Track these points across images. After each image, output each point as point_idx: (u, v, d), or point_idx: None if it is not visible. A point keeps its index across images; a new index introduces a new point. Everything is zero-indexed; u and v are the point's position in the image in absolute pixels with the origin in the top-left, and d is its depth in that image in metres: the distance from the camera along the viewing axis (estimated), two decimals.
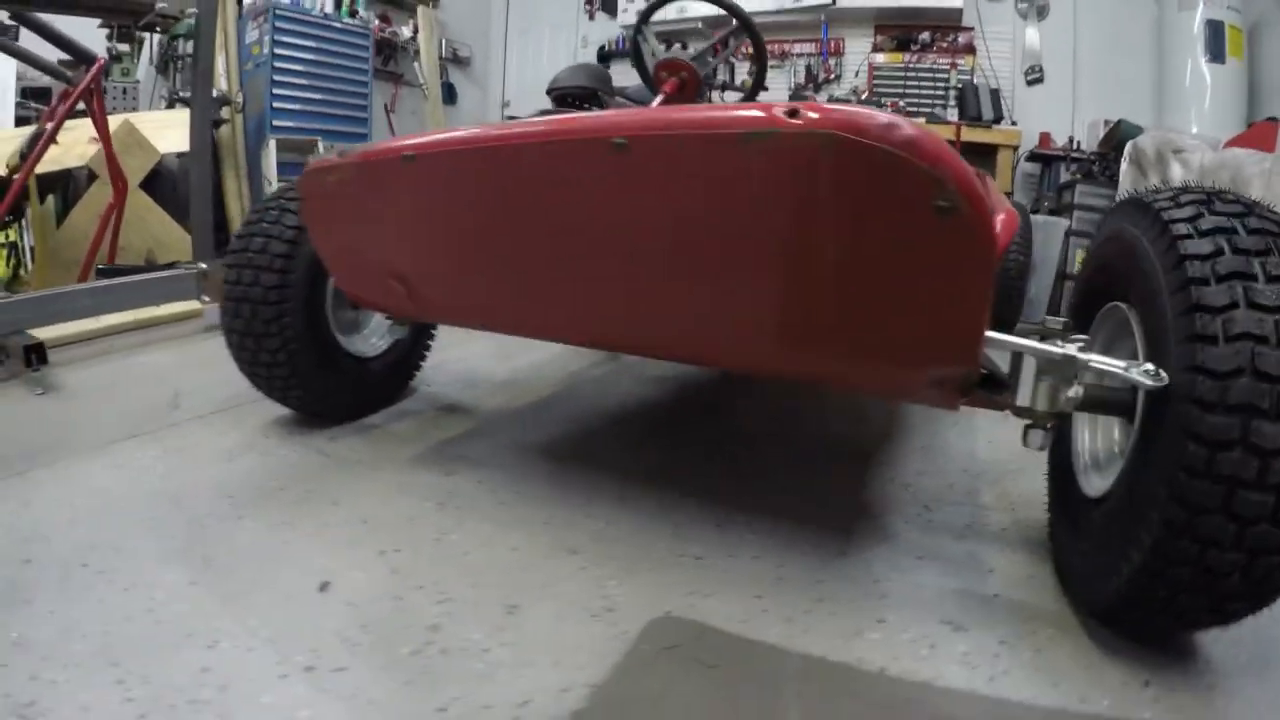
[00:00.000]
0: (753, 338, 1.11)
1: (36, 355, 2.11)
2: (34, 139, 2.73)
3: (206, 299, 2.76)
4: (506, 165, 1.08)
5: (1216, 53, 3.99)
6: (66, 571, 1.19)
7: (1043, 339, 1.16)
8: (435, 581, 1.20)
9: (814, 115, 0.83)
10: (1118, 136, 3.85)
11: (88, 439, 1.74)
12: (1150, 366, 0.95)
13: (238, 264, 1.67)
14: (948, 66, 4.93)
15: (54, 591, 1.14)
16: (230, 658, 1.01)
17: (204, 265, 2.70)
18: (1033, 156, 4.71)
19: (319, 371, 1.75)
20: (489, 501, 1.49)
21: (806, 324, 1.04)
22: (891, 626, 1.12)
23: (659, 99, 1.94)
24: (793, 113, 0.84)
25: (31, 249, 3.54)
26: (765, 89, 2.27)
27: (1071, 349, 1.07)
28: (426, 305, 1.51)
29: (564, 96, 3.77)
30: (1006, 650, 1.07)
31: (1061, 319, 1.28)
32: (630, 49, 2.25)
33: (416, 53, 5.62)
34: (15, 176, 2.71)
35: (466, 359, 2.52)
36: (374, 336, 1.95)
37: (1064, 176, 4.54)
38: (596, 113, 1.60)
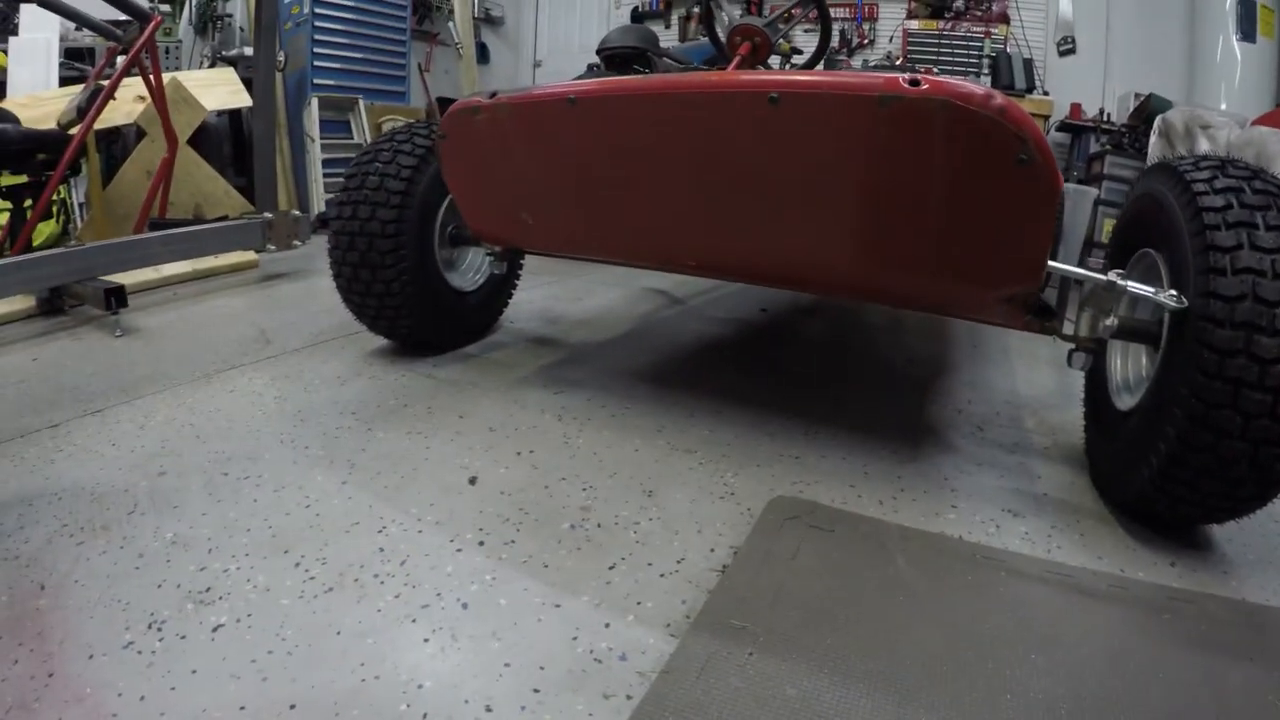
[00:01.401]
0: (867, 264, 1.29)
1: (116, 299, 2.18)
2: (92, 96, 2.80)
3: (272, 247, 2.93)
4: (668, 111, 1.23)
5: (1248, 31, 4.04)
6: (209, 479, 1.30)
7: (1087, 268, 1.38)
8: (575, 474, 1.36)
9: (929, 86, 1.03)
10: (1148, 110, 3.96)
11: (187, 372, 1.85)
12: (1174, 292, 1.19)
13: (353, 200, 1.78)
14: (982, 35, 5.01)
15: (201, 496, 1.24)
16: (402, 539, 1.13)
17: (269, 215, 2.87)
18: (1063, 126, 4.79)
19: (426, 304, 1.88)
20: (601, 414, 1.65)
21: (914, 250, 1.24)
22: (962, 511, 1.32)
23: (735, 61, 2.06)
24: (914, 82, 1.04)
25: (81, 205, 3.70)
26: (825, 55, 2.43)
27: (1113, 276, 1.27)
28: (552, 239, 1.69)
29: (614, 56, 3.92)
30: (1057, 533, 1.27)
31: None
32: (702, 12, 2.39)
33: (451, 12, 5.71)
34: (72, 133, 2.78)
35: (539, 300, 2.70)
36: (471, 272, 2.09)
37: (1093, 147, 4.66)
38: (748, 72, 1.72)
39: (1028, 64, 4.67)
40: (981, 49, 4.97)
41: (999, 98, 1.04)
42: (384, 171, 1.79)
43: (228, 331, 2.21)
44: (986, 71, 4.86)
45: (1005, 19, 4.99)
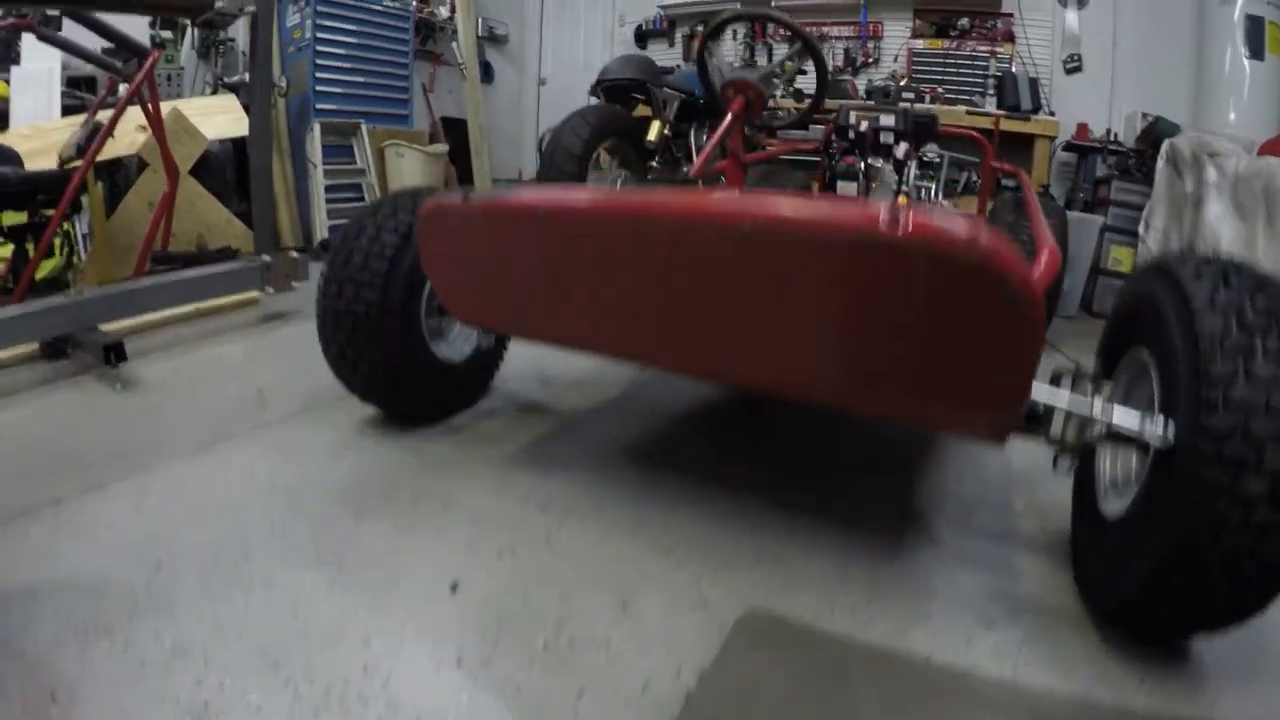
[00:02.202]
0: (841, 386, 1.27)
1: (116, 354, 2.20)
2: (91, 134, 2.82)
3: (270, 290, 2.94)
4: (640, 232, 1.24)
5: (1256, 49, 4.00)
6: (202, 574, 1.31)
7: (1074, 383, 1.34)
8: (554, 579, 1.36)
9: (912, 228, 0.98)
10: (1155, 134, 3.93)
11: (183, 439, 1.85)
12: (1159, 433, 1.15)
13: (339, 279, 1.78)
14: (987, 54, 4.96)
15: (195, 594, 1.25)
16: (385, 653, 1.14)
17: (268, 258, 2.89)
18: (1069, 147, 4.78)
19: (414, 380, 1.88)
20: (585, 504, 1.63)
21: (894, 378, 1.23)
22: (936, 621, 1.30)
23: (727, 119, 2.04)
24: (894, 222, 0.99)
25: (84, 236, 3.75)
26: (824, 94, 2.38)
27: (1097, 404, 1.23)
28: (529, 328, 1.71)
29: (614, 87, 3.91)
30: (1028, 647, 1.25)
31: (1083, 365, 1.46)
32: (696, 63, 2.38)
33: (455, 32, 5.72)
34: (72, 168, 2.79)
35: (533, 356, 2.68)
36: (461, 341, 2.06)
37: (1100, 169, 4.62)
38: (723, 195, 1.69)
39: (1033, 83, 4.62)
40: (987, 69, 4.92)
41: (984, 239, 0.99)
42: (368, 250, 1.78)
43: (226, 389, 2.22)
44: (992, 92, 4.82)
45: (1011, 37, 4.94)
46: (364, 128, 4.81)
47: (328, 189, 4.63)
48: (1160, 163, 3.67)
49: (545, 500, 1.67)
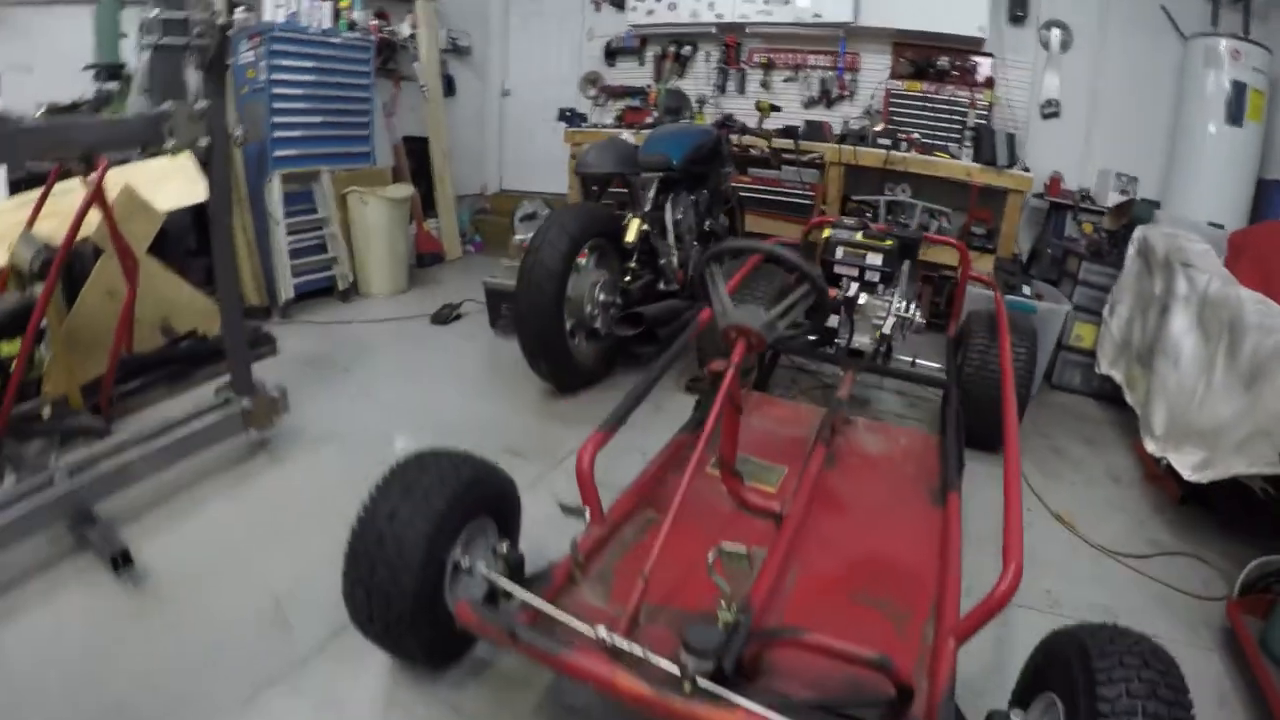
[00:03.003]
0: None
1: (123, 559, 2.12)
2: (46, 263, 2.67)
3: (255, 432, 2.85)
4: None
5: (1236, 115, 4.02)
6: None
7: None
8: None
9: None
10: (1130, 214, 3.97)
11: (221, 687, 1.83)
12: None
13: (363, 582, 1.67)
14: (966, 103, 4.91)
15: None
16: None
17: (247, 403, 2.77)
18: (1040, 197, 4.82)
19: (439, 640, 1.79)
20: None
21: None
22: None
23: (730, 376, 1.97)
24: None
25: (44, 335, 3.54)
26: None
27: None
28: None
29: (592, 177, 3.80)
30: None
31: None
32: (697, 283, 2.30)
33: (416, 49, 5.44)
34: (34, 289, 2.67)
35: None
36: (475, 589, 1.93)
37: (1069, 226, 4.69)
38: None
39: (1010, 139, 4.60)
40: (965, 118, 4.88)
41: None
42: (393, 560, 1.66)
43: (241, 595, 2.16)
44: (969, 144, 4.78)
45: (990, 84, 4.88)
46: (325, 174, 4.61)
47: (291, 240, 4.47)
48: (1131, 250, 3.71)
49: None
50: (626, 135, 4.65)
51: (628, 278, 3.75)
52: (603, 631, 1.48)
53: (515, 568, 1.79)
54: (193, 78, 2.47)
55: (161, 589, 2.18)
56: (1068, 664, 1.42)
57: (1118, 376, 3.73)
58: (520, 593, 1.66)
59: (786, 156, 4.91)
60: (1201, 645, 2.34)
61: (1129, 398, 3.57)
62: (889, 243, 2.99)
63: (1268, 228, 3.50)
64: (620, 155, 3.65)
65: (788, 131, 4.96)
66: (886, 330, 3.05)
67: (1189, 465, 2.79)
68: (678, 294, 3.96)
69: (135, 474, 2.43)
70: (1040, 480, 3.20)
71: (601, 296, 3.58)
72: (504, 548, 1.80)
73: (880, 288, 3.04)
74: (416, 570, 1.64)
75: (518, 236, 4.52)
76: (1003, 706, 1.56)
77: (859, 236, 3.03)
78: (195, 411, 2.74)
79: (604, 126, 5.67)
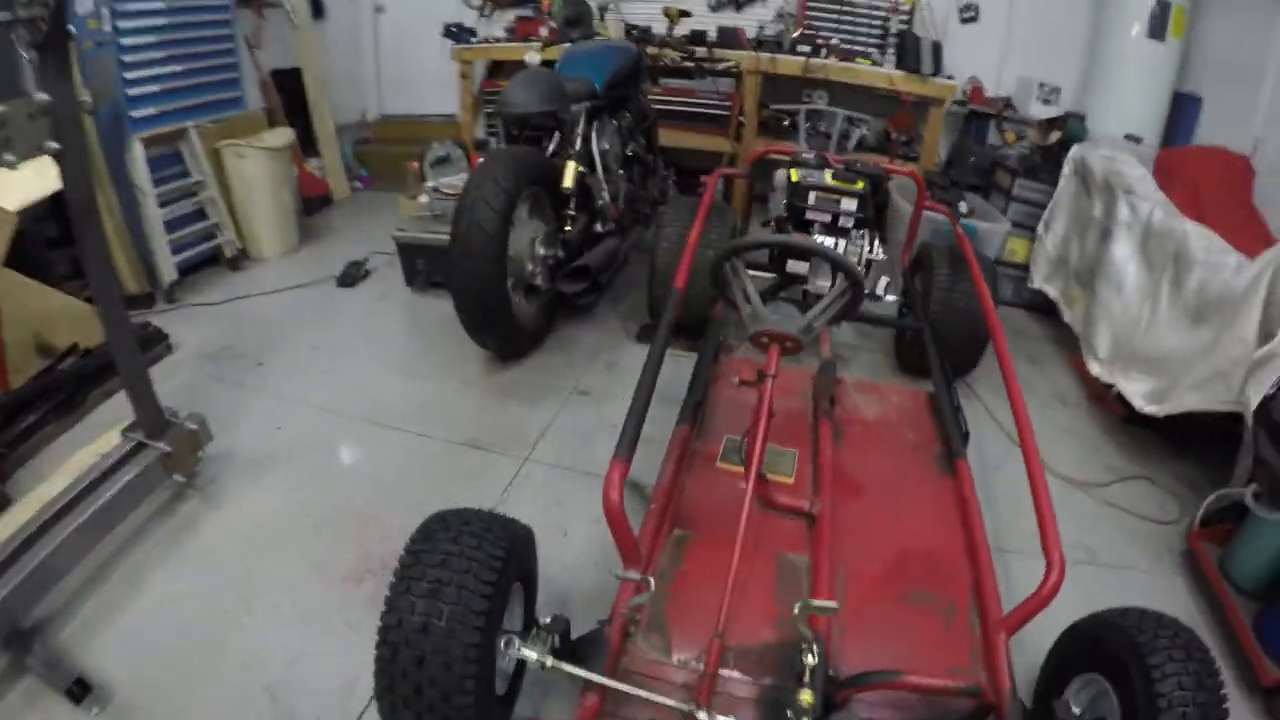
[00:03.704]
0: None
1: (80, 688, 1.79)
2: None
3: (180, 478, 2.46)
4: None
5: (1157, 30, 3.99)
6: None
7: None
8: None
9: None
10: (1064, 133, 3.99)
11: None
12: None
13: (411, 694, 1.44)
14: (887, 6, 4.70)
15: None
16: None
17: (163, 446, 2.36)
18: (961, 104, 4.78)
19: None
20: None
21: None
22: None
23: (769, 379, 1.84)
24: None
25: None
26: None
27: None
28: None
29: (518, 118, 3.37)
30: None
31: None
32: (710, 279, 2.03)
33: None
34: None
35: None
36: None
37: (991, 134, 4.71)
38: None
39: (936, 47, 4.47)
40: (886, 24, 4.69)
41: None
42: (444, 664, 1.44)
43: (230, 703, 1.84)
44: (892, 52, 4.63)
45: None
46: (192, 131, 3.93)
47: (164, 212, 3.83)
48: (1067, 169, 3.75)
49: None
50: (530, 55, 4.20)
51: (567, 226, 3.45)
52: (692, 707, 1.43)
53: (563, 639, 1.63)
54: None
55: (135, 707, 1.85)
56: (1114, 653, 1.49)
57: (1052, 292, 3.86)
58: (583, 673, 1.52)
59: (703, 66, 4.62)
60: (1165, 570, 2.55)
61: (1066, 315, 3.72)
62: (860, 184, 2.85)
63: (1198, 153, 3.59)
64: (549, 90, 3.25)
65: (695, 39, 4.65)
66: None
67: (1140, 395, 2.94)
68: (613, 232, 3.71)
69: (58, 568, 2.04)
70: (993, 401, 3.30)
71: (542, 251, 3.28)
72: (547, 619, 1.63)
73: (853, 232, 2.93)
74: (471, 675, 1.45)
75: (430, 183, 4.05)
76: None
77: (829, 177, 2.88)
78: (104, 462, 2.31)
79: (496, 41, 5.11)
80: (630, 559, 1.73)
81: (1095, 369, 3.28)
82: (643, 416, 1.74)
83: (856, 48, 4.77)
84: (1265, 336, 2.47)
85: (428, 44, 5.57)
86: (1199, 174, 3.38)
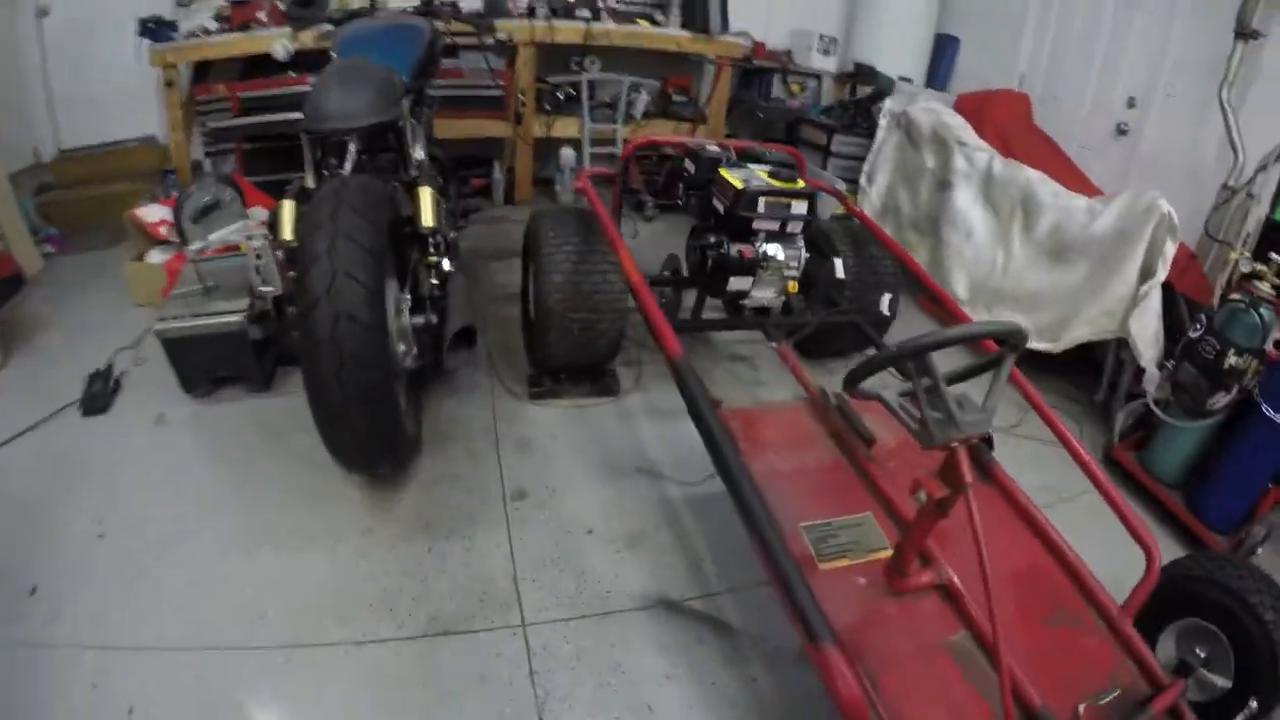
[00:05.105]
0: None
1: None
2: None
3: None
4: None
5: None
6: None
7: None
8: None
9: None
10: (876, 88, 4.11)
11: None
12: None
13: None
14: None
15: None
16: None
17: None
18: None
19: None
20: None
21: None
22: None
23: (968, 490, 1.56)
24: None
25: None
26: None
27: None
28: None
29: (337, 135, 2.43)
30: None
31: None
32: (848, 385, 1.58)
33: None
34: None
35: None
36: None
37: (776, 87, 4.74)
38: None
39: (723, 3, 4.30)
40: None
41: None
42: None
43: None
44: (678, 11, 4.36)
45: None
46: None
47: None
48: (884, 121, 3.91)
49: None
50: (278, 46, 3.15)
51: (434, 278, 2.67)
52: None
53: None
54: None
55: None
56: (1221, 604, 1.76)
57: None
58: None
59: (466, 43, 3.88)
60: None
61: None
62: (800, 184, 2.64)
63: (1002, 97, 3.93)
64: (382, 90, 2.40)
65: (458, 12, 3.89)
66: (798, 280, 2.79)
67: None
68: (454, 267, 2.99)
69: None
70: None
71: (418, 321, 2.52)
72: None
73: (799, 237, 2.71)
74: None
75: (195, 244, 2.87)
76: None
77: (766, 177, 2.62)
78: None
79: (210, 33, 3.76)
80: None
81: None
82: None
83: (634, 8, 4.40)
84: (1144, 276, 2.85)
85: (113, 48, 4.08)
86: (999, 115, 3.74)
